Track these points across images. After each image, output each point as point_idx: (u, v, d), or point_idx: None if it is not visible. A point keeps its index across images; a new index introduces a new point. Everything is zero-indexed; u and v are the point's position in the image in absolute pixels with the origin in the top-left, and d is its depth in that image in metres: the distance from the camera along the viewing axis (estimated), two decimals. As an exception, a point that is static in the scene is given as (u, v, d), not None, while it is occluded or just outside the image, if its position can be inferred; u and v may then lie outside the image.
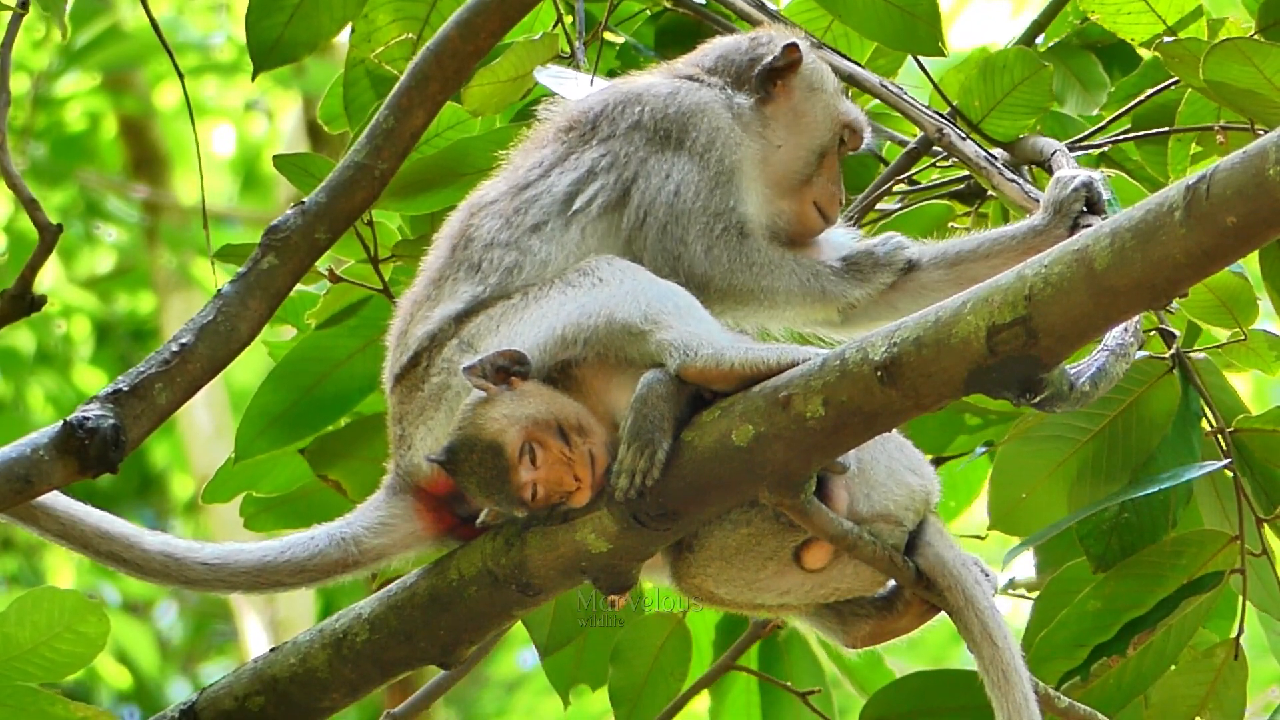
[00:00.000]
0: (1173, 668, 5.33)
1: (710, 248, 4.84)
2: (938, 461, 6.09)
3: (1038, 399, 4.54)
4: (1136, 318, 4.75)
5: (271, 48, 5.90)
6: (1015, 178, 5.26)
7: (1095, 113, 6.02)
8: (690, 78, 5.04)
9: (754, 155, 4.97)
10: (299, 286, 5.87)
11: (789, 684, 6.24)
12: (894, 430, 4.80)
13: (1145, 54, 5.96)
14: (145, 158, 13.98)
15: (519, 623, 5.91)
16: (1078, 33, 6.15)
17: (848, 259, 4.96)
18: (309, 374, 5.87)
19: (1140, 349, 4.91)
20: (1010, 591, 5.74)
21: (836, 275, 4.91)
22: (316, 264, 5.54)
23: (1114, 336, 4.75)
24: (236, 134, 14.87)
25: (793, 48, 5.02)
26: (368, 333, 5.73)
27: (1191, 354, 5.47)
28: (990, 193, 5.60)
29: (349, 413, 5.90)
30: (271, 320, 5.92)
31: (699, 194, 4.86)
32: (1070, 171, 4.99)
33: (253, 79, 6.01)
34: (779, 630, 6.30)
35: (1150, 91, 5.80)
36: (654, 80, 5.03)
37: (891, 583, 4.87)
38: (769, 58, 5.03)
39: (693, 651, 6.17)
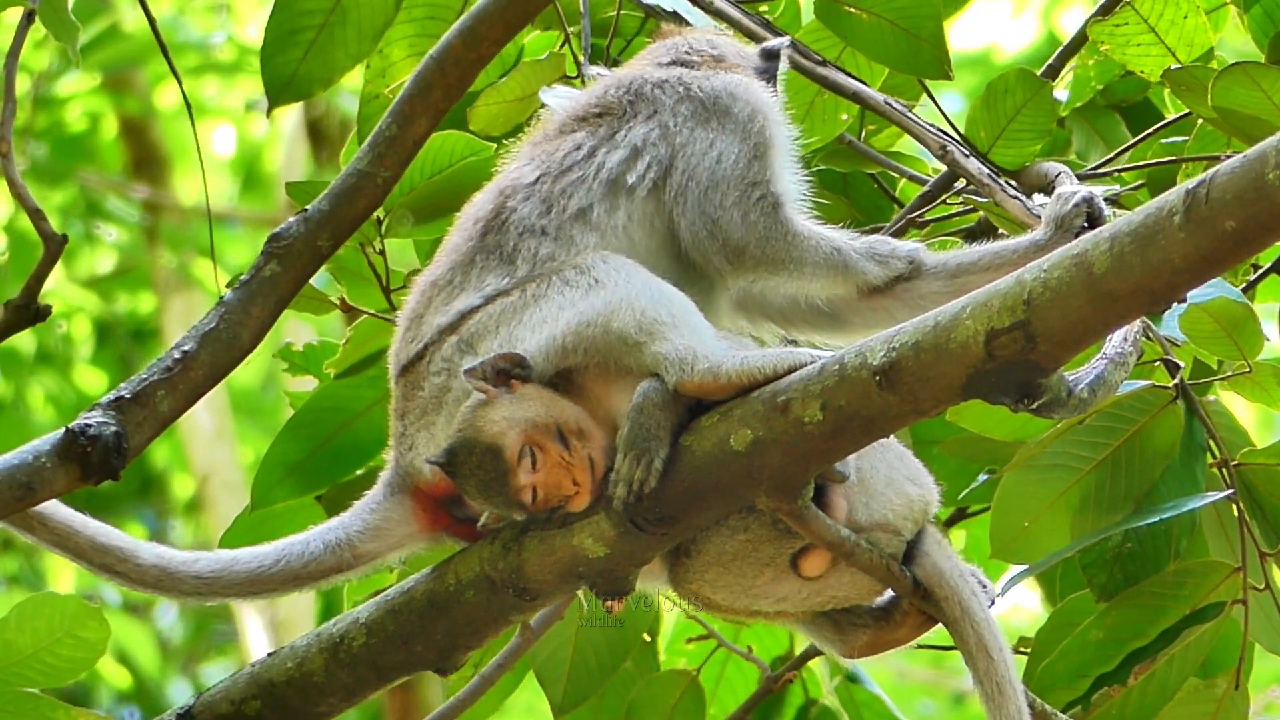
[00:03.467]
0: (1175, 698, 5.30)
1: (747, 214, 4.88)
2: (959, 516, 6.10)
3: (1036, 405, 4.54)
4: (1137, 327, 4.75)
5: (287, 83, 5.91)
6: (1019, 195, 5.26)
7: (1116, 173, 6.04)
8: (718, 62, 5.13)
9: (785, 135, 5.03)
10: (320, 336, 5.92)
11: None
12: (894, 440, 4.81)
13: (1166, 113, 5.99)
14: (145, 158, 13.97)
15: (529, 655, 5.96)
16: (1101, 92, 6.18)
17: (866, 243, 5.01)
18: (328, 424, 5.88)
19: (1140, 358, 4.91)
20: (1022, 649, 5.71)
21: (858, 254, 4.95)
22: (330, 295, 5.56)
23: (1113, 345, 4.75)
24: (237, 134, 14.86)
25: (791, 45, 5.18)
26: (386, 384, 5.72)
27: (1196, 392, 5.44)
28: (1000, 231, 5.60)
29: (366, 463, 5.90)
30: (292, 370, 5.97)
31: (738, 163, 4.92)
32: (1071, 187, 5.00)
33: (267, 115, 6.02)
34: (796, 690, 6.34)
35: (1159, 125, 5.82)
36: (678, 70, 5.08)
37: (889, 592, 4.88)
38: (777, 53, 5.18)
39: (707, 709, 6.20)
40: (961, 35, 12.88)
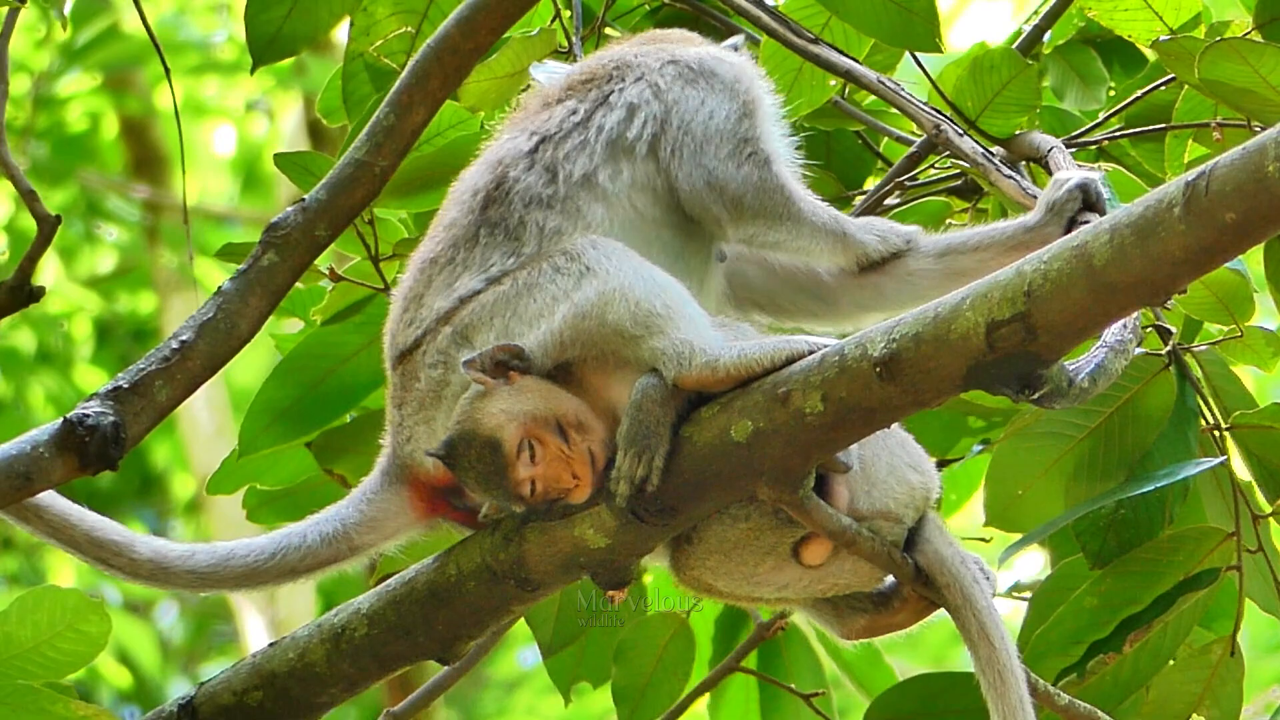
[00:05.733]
0: (1170, 664, 5.32)
1: (741, 166, 4.89)
2: (941, 464, 6.09)
3: (1036, 395, 4.54)
4: (1136, 314, 4.75)
5: (270, 41, 5.92)
6: (1012, 174, 5.26)
7: (1095, 109, 6.03)
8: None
9: (770, 100, 5.05)
10: (303, 283, 5.89)
11: (792, 686, 6.25)
12: (896, 426, 4.81)
13: (1150, 54, 5.97)
14: (146, 158, 13.98)
15: (520, 622, 5.95)
16: (1078, 29, 6.16)
17: (863, 219, 5.03)
18: (314, 369, 5.87)
19: (1139, 345, 4.92)
20: (1015, 594, 5.73)
21: (857, 226, 4.95)
22: (317, 263, 5.55)
23: (1113, 333, 4.74)
24: (237, 134, 14.87)
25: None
26: (373, 329, 5.72)
27: (1194, 349, 5.46)
28: (985, 191, 5.60)
29: (354, 408, 5.90)
30: (278, 313, 5.95)
31: (729, 119, 4.93)
32: (1067, 172, 4.99)
33: (251, 73, 6.02)
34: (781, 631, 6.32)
35: (1147, 89, 5.80)
36: (658, 43, 5.11)
37: (890, 578, 4.88)
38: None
39: (696, 651, 6.19)
40: (961, 35, 12.89)
